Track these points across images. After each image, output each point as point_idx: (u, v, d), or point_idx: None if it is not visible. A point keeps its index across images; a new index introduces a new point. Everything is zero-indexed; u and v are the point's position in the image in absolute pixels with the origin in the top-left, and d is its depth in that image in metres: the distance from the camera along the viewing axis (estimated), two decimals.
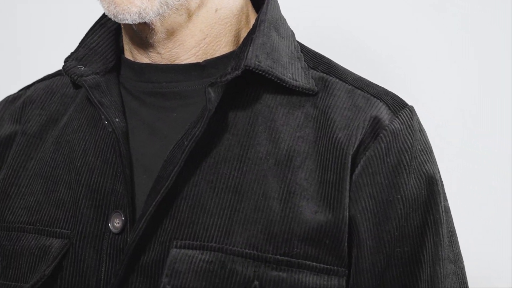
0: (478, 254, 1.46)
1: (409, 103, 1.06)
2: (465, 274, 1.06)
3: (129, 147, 1.05)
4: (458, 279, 1.04)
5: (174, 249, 0.99)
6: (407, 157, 1.01)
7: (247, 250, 0.98)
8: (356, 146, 1.00)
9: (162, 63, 1.06)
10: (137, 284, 1.00)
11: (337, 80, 1.06)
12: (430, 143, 1.05)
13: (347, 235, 0.99)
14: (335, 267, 0.99)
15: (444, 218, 1.03)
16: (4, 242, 1.08)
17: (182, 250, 0.99)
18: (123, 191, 1.02)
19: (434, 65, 1.50)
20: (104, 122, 1.04)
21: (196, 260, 0.98)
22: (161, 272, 0.99)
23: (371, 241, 1.00)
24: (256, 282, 0.97)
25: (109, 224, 1.03)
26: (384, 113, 1.02)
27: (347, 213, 0.99)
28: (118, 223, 1.02)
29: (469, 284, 1.07)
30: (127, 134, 1.05)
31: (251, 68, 1.01)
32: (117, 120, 1.04)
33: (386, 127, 1.01)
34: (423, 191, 1.01)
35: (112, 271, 1.02)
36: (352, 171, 1.00)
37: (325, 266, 0.99)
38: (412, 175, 1.01)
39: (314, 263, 0.98)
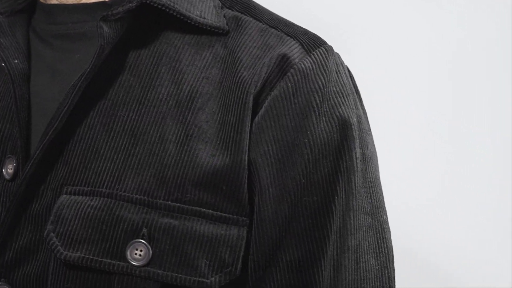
0: (478, 254, 1.42)
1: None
2: (386, 229, 0.96)
3: (30, 90, 0.99)
4: (376, 234, 0.95)
5: (64, 195, 0.92)
6: (317, 98, 0.92)
7: (137, 196, 0.91)
8: (259, 85, 0.92)
9: (69, 2, 1.00)
10: (26, 233, 0.94)
11: (251, 19, 0.98)
12: (349, 86, 0.96)
13: (246, 181, 0.91)
14: (234, 216, 0.91)
15: (359, 167, 0.94)
16: None
17: (72, 197, 0.92)
18: (17, 135, 0.96)
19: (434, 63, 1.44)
20: (1, 64, 0.98)
21: (84, 206, 0.91)
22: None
23: (274, 188, 0.91)
24: (144, 230, 0.90)
25: (3, 170, 0.97)
26: (295, 51, 0.94)
27: (246, 157, 0.91)
28: (11, 168, 0.96)
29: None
30: (28, 77, 0.99)
31: (148, 1, 0.93)
32: (16, 61, 0.98)
33: (295, 66, 0.93)
34: (335, 136, 0.92)
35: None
36: (255, 112, 0.92)
37: (222, 214, 0.91)
38: (323, 117, 0.92)
39: (210, 211, 0.91)
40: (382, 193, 0.98)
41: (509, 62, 1.42)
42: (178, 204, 0.90)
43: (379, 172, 0.99)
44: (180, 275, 0.90)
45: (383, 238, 0.95)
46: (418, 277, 1.47)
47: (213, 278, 0.90)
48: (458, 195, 1.41)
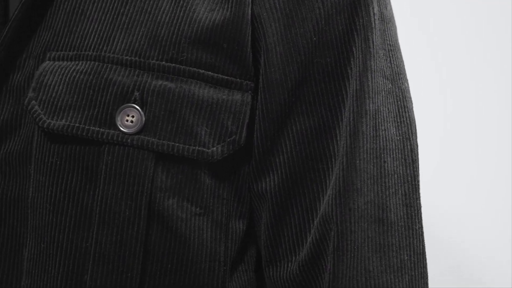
0: (478, 254, 1.38)
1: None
2: (408, 98, 0.85)
3: None
4: (396, 101, 0.84)
5: (47, 62, 0.83)
6: None
7: (127, 57, 0.80)
8: None
9: None
10: (6, 107, 0.85)
11: None
12: None
13: (250, 38, 0.81)
14: (237, 79, 0.81)
15: (377, 25, 0.83)
16: None
17: (56, 62, 0.82)
18: None
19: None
20: None
21: (69, 71, 0.81)
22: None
23: (281, 47, 0.81)
24: (136, 93, 0.80)
25: None
26: None
27: (250, 10, 0.80)
28: None
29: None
30: None
31: None
32: None
33: None
34: None
35: None
36: None
37: (224, 77, 0.81)
38: None
39: (210, 73, 0.80)
40: (402, 60, 0.87)
41: (509, 62, 1.34)
42: (174, 65, 0.80)
43: (398, 38, 0.88)
44: (177, 144, 0.79)
45: (404, 107, 0.85)
46: None
47: (214, 148, 0.80)
48: (458, 195, 1.36)
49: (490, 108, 1.36)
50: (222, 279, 0.83)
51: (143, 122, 0.79)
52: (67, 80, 0.81)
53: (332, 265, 0.80)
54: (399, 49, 0.87)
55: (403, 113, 0.84)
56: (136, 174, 0.79)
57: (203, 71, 0.80)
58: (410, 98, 0.86)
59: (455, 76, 1.41)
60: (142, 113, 0.79)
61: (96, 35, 0.82)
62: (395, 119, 0.83)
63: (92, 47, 0.82)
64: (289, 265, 0.83)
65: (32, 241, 0.82)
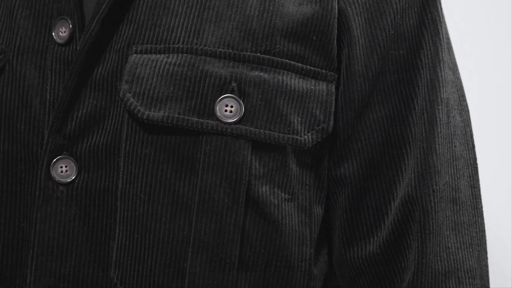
0: None
1: None
2: (463, 88, 0.93)
3: None
4: (458, 90, 0.91)
5: (134, 55, 0.84)
6: None
7: (220, 49, 0.83)
8: None
9: None
10: (90, 100, 0.85)
11: None
12: None
13: (336, 31, 0.85)
14: (323, 70, 0.85)
15: (443, 19, 0.90)
16: None
17: (144, 55, 0.83)
18: None
19: None
20: None
21: (161, 63, 0.83)
22: (118, 83, 0.84)
23: (364, 40, 0.86)
24: (233, 84, 0.82)
25: (53, 34, 0.87)
26: None
27: (336, 4, 0.85)
28: (65, 31, 0.86)
29: None
30: None
31: None
32: None
33: None
34: None
35: (59, 89, 0.86)
36: None
37: (312, 68, 0.84)
38: None
39: (300, 64, 0.84)
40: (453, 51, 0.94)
41: (509, 62, 1.41)
42: (268, 56, 0.83)
43: None
44: (273, 133, 0.83)
45: (463, 96, 0.92)
46: None
47: (306, 136, 0.84)
48: None
49: (489, 108, 1.41)
50: (309, 262, 0.86)
51: (243, 111, 0.82)
52: (160, 72, 0.82)
53: (420, 243, 0.85)
54: (451, 41, 0.94)
55: (462, 101, 0.91)
56: (234, 162, 0.82)
57: (294, 62, 0.84)
58: (463, 88, 0.93)
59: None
60: (241, 102, 0.82)
61: (184, 28, 0.84)
62: (458, 107, 0.90)
63: (180, 40, 0.83)
64: (368, 246, 0.87)
65: (123, 232, 0.83)
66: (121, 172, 0.83)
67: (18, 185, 0.86)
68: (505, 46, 1.38)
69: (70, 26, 0.86)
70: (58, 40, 0.86)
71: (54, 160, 0.84)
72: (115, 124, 0.84)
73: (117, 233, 0.83)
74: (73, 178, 0.85)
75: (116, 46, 0.85)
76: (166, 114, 0.82)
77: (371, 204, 0.87)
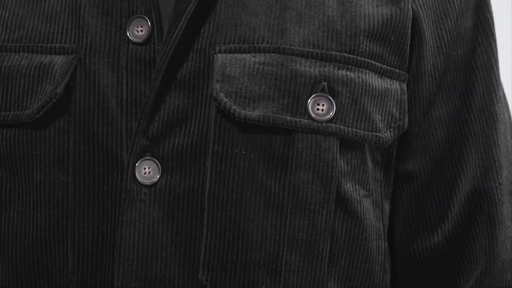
0: None
1: None
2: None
3: None
4: (502, 89, 0.97)
5: (219, 54, 0.83)
6: None
7: (307, 49, 0.84)
8: None
9: None
10: (172, 100, 0.84)
11: None
12: None
13: (410, 32, 0.88)
14: (397, 70, 0.88)
15: (493, 21, 0.95)
16: None
17: (229, 55, 0.83)
18: None
19: None
20: None
21: (250, 63, 0.83)
22: (202, 84, 0.83)
23: (432, 41, 0.89)
24: (324, 83, 0.84)
25: (128, 33, 0.85)
26: None
27: (411, 6, 0.88)
28: (141, 30, 0.85)
29: None
30: None
31: None
32: None
33: None
34: None
35: (136, 89, 0.84)
36: None
37: (388, 67, 0.87)
38: None
39: (379, 64, 0.86)
40: None
41: (510, 62, 1.45)
42: (353, 56, 0.85)
43: None
44: (360, 130, 0.85)
45: (505, 94, 0.97)
46: None
47: (386, 133, 0.87)
48: None
49: None
50: (384, 255, 0.89)
51: (334, 110, 0.83)
52: (250, 71, 0.82)
53: (489, 234, 0.90)
54: None
55: (504, 99, 0.97)
56: (326, 160, 0.83)
57: (374, 62, 0.86)
58: None
59: None
60: (333, 101, 0.83)
61: (266, 28, 0.84)
62: (505, 105, 0.96)
63: (265, 39, 0.84)
64: (433, 238, 0.91)
65: (211, 233, 0.82)
66: (208, 173, 0.83)
67: (96, 188, 0.84)
68: (505, 46, 1.44)
69: (149, 24, 0.84)
70: (134, 40, 0.84)
71: (139, 162, 0.83)
72: (199, 124, 0.83)
73: (204, 234, 0.83)
74: (156, 179, 0.83)
75: (197, 46, 0.84)
76: (262, 113, 0.82)
77: (435, 199, 0.91)
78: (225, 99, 0.82)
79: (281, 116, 0.82)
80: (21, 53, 0.86)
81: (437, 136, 0.90)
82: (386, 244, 0.89)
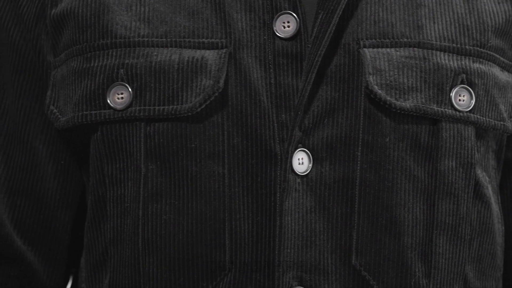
0: None
1: None
2: None
3: None
4: None
5: (365, 49, 0.87)
6: None
7: (444, 43, 0.89)
8: None
9: None
10: (322, 93, 0.87)
11: None
12: None
13: None
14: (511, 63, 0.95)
15: None
16: (130, 61, 0.86)
17: (375, 49, 0.87)
18: None
19: None
20: None
21: (396, 57, 0.87)
22: (349, 77, 0.87)
23: None
24: (463, 75, 0.89)
25: (274, 28, 0.87)
26: None
27: None
28: (288, 26, 0.87)
29: None
30: None
31: None
32: None
33: None
34: None
35: (284, 83, 0.87)
36: None
37: (508, 61, 0.94)
38: None
39: (502, 58, 0.93)
40: None
41: None
42: (484, 50, 0.90)
43: None
44: (492, 120, 0.90)
45: None
46: None
47: (509, 122, 0.93)
48: None
49: None
50: (502, 238, 0.96)
51: (473, 101, 0.89)
52: (396, 64, 0.87)
53: None
54: None
55: None
56: (466, 147, 0.88)
57: (498, 56, 0.92)
58: None
59: None
60: (472, 93, 0.89)
61: (403, 24, 0.89)
62: None
63: (404, 35, 0.88)
64: None
65: (363, 220, 0.86)
66: (359, 162, 0.86)
67: (251, 179, 0.86)
68: None
69: (297, 20, 0.87)
70: (281, 35, 0.87)
71: (294, 153, 0.85)
72: (348, 115, 0.86)
73: (356, 222, 0.86)
74: (308, 170, 0.86)
75: (342, 41, 0.87)
76: (413, 104, 0.86)
77: None
78: (379, 91, 0.86)
79: (429, 107, 0.87)
80: (169, 48, 0.87)
81: None
82: (503, 228, 0.95)
